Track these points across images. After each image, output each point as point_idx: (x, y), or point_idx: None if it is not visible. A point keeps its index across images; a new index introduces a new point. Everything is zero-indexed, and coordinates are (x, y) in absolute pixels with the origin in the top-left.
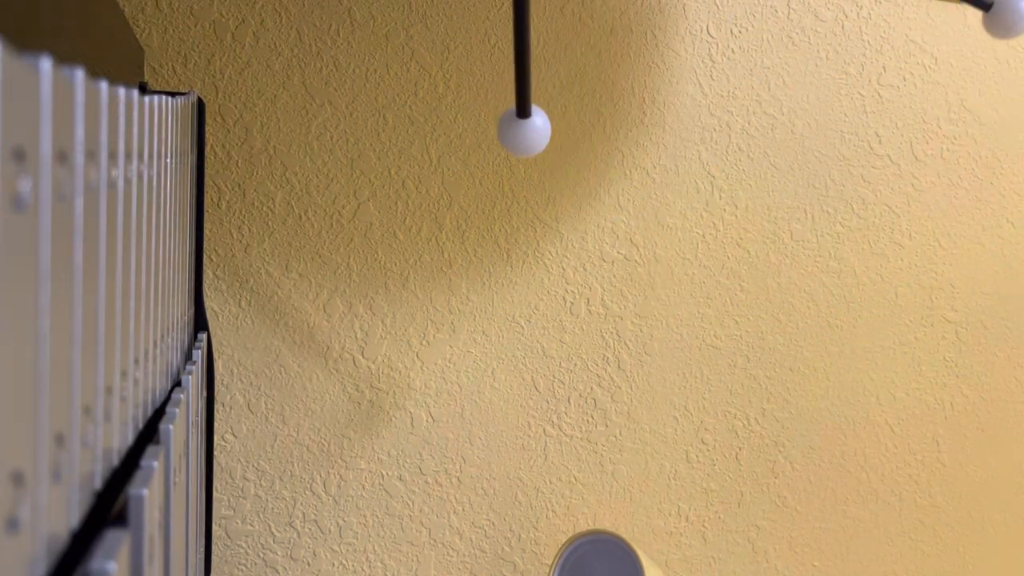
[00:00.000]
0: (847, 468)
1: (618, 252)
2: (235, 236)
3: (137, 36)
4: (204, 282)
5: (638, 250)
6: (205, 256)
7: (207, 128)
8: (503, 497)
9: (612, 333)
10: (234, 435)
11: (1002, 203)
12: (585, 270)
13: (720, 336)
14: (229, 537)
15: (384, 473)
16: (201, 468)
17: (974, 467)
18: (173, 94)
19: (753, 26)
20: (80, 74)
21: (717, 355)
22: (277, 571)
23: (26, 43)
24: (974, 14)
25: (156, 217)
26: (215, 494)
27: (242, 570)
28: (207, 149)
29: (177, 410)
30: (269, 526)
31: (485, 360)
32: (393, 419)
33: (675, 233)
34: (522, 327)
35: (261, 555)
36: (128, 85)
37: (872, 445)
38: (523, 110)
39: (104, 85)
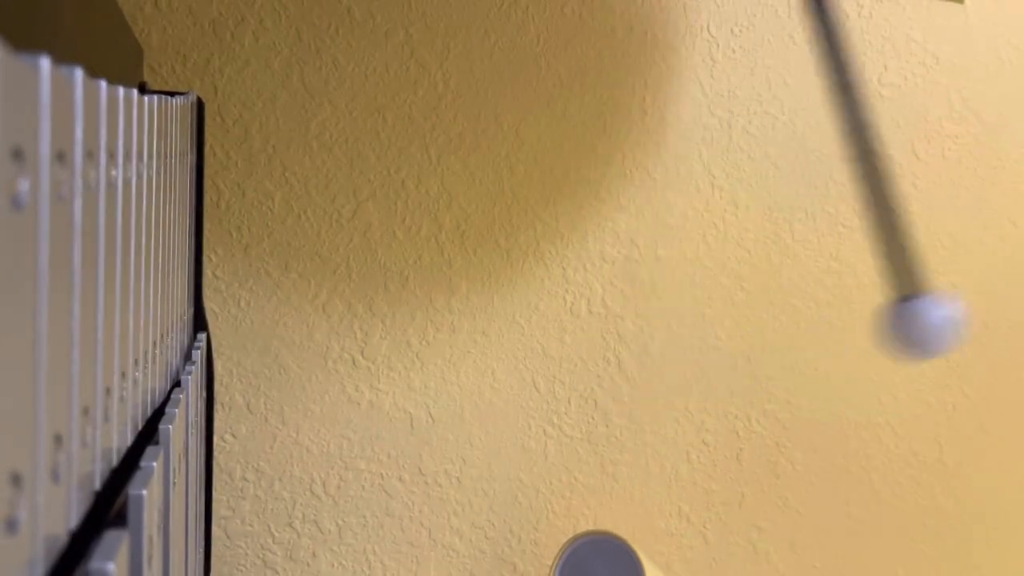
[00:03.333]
0: (849, 469)
1: (619, 252)
2: (234, 236)
3: (136, 35)
4: (203, 282)
5: (639, 250)
6: (204, 256)
7: (206, 128)
8: (503, 498)
9: (613, 333)
10: (233, 435)
11: (1004, 203)
12: (586, 270)
13: (721, 336)
14: (228, 538)
15: (384, 474)
16: (200, 469)
17: (976, 468)
18: (172, 94)
19: (754, 25)
20: (79, 74)
21: (718, 355)
22: (277, 572)
23: (25, 42)
24: (976, 13)
25: (155, 217)
26: (214, 495)
27: (241, 571)
28: (206, 149)
29: (176, 411)
30: (268, 527)
31: (485, 360)
32: (393, 420)
33: (676, 233)
34: (522, 327)
35: (260, 556)
36: (127, 85)
37: (874, 446)
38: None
39: (103, 85)
